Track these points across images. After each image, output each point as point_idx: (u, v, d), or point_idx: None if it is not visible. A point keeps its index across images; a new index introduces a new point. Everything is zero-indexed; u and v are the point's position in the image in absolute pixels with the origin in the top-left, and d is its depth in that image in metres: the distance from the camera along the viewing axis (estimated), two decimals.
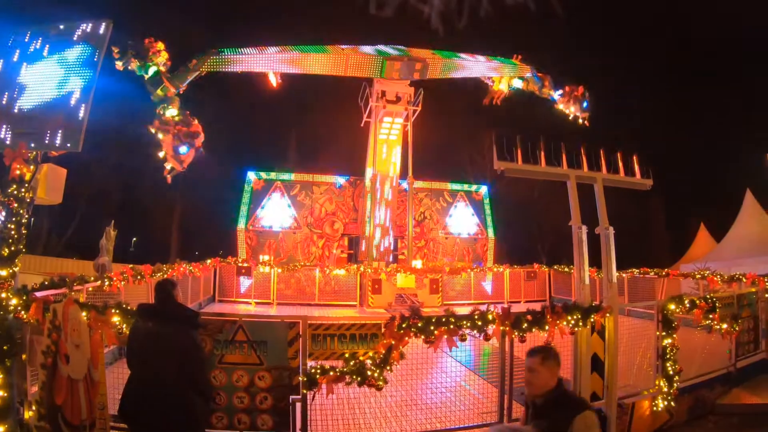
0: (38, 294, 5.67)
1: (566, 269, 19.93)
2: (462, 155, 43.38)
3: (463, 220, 26.01)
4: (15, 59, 6.13)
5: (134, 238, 44.44)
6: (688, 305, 7.47)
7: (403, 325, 5.45)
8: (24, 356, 5.43)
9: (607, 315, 6.37)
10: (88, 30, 6.24)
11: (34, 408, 4.81)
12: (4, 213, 5.77)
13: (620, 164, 7.25)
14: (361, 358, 5.55)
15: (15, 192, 5.76)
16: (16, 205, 5.76)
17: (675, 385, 6.93)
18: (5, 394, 5.22)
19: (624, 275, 16.28)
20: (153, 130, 11.99)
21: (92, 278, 9.17)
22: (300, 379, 5.39)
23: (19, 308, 5.36)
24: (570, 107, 17.26)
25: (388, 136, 21.08)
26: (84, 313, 5.15)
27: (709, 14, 46.34)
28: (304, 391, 5.37)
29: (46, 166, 6.24)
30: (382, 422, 6.38)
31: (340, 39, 19.73)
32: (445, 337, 5.55)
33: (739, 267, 15.79)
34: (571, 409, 3.25)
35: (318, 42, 17.54)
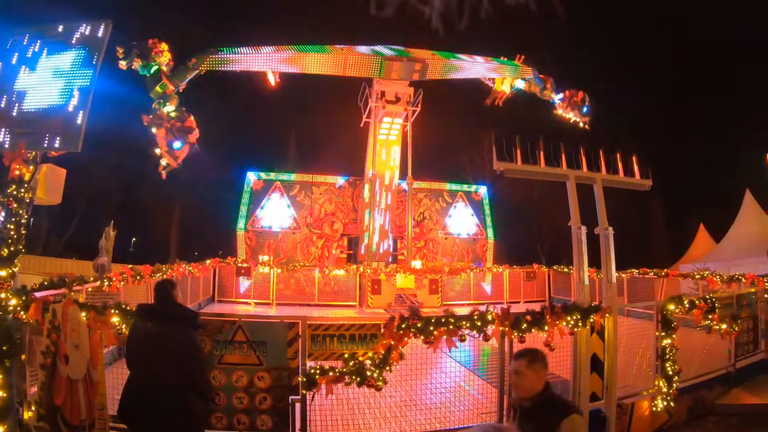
0: (37, 294, 5.67)
1: (566, 269, 19.93)
2: (461, 155, 43.39)
3: (462, 221, 26.00)
4: (13, 62, 6.12)
5: (134, 239, 44.47)
6: (687, 305, 7.47)
7: (403, 326, 5.45)
8: (23, 356, 5.43)
9: (607, 315, 6.37)
10: (87, 33, 6.24)
11: (33, 408, 4.81)
12: (3, 213, 5.77)
13: (620, 165, 7.25)
14: (360, 358, 5.54)
15: (14, 192, 5.77)
16: (15, 205, 5.77)
17: (674, 385, 6.93)
18: (5, 395, 5.22)
19: (623, 275, 16.28)
20: (146, 123, 11.98)
21: (92, 278, 9.16)
22: (299, 379, 5.39)
23: (19, 308, 5.36)
24: (569, 113, 17.22)
25: (388, 137, 21.07)
26: (83, 314, 5.15)
27: (709, 14, 46.39)
28: (304, 392, 5.36)
29: (45, 166, 6.24)
30: (382, 423, 6.38)
31: (340, 39, 19.73)
32: (445, 337, 5.55)
33: (738, 267, 15.78)
34: (558, 412, 3.23)
35: (317, 42, 17.55)
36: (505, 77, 19.02)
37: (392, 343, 5.44)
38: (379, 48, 18.25)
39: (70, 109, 5.90)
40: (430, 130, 29.17)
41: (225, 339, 5.39)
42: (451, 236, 25.69)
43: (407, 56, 18.32)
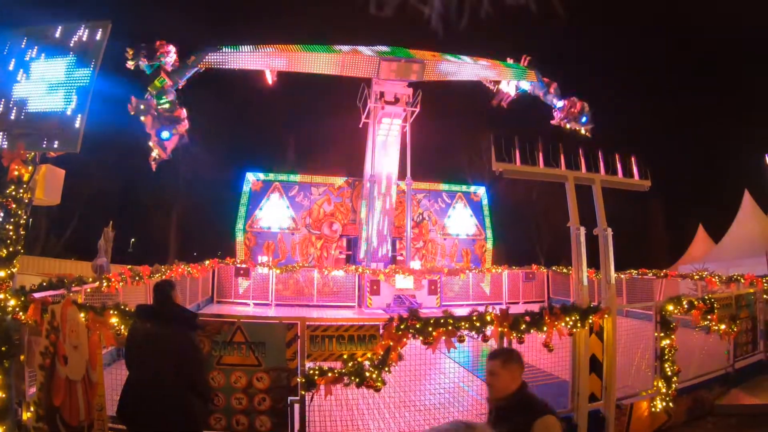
0: (36, 295, 5.68)
1: (565, 270, 19.94)
2: (460, 156, 43.40)
3: (461, 221, 25.98)
4: (11, 68, 6.10)
5: (132, 239, 44.46)
6: (686, 306, 7.47)
7: (402, 327, 5.46)
8: (22, 357, 5.43)
9: (606, 316, 6.38)
10: (85, 36, 6.22)
11: (32, 409, 4.82)
12: (2, 214, 5.77)
13: (618, 165, 7.26)
14: (359, 359, 5.54)
15: (13, 193, 5.77)
16: (14, 206, 5.77)
17: (673, 385, 6.93)
18: (3, 395, 5.22)
19: (622, 276, 16.29)
20: (131, 111, 11.97)
21: (90, 279, 9.15)
22: (298, 380, 5.39)
23: (18, 309, 5.37)
24: (567, 124, 17.12)
25: (387, 137, 21.07)
26: (82, 314, 5.15)
27: (708, 15, 46.46)
28: (303, 393, 5.37)
29: (44, 167, 6.24)
30: (381, 423, 6.38)
31: (340, 39, 19.74)
32: (444, 338, 5.55)
33: (737, 268, 15.81)
34: (532, 413, 3.18)
35: (317, 41, 17.57)
36: (508, 80, 19.01)
37: (391, 343, 5.44)
38: (380, 48, 18.26)
39: (69, 113, 5.88)
40: (429, 131, 29.18)
41: (224, 340, 5.39)
42: (450, 237, 25.68)
43: (407, 56, 18.33)
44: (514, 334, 5.84)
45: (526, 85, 18.48)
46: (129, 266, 11.63)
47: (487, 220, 26.17)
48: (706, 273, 14.22)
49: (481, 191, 26.73)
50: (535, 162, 6.73)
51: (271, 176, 24.41)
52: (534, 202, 42.61)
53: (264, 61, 16.39)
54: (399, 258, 23.64)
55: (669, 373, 6.93)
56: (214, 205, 36.90)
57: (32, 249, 29.54)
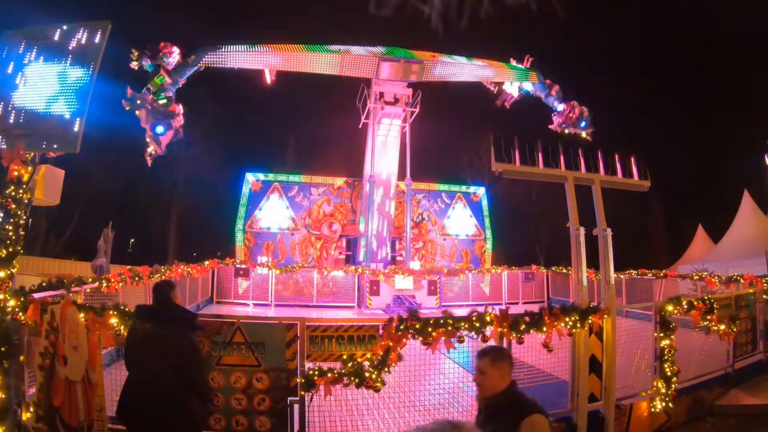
0: (36, 295, 5.68)
1: (564, 271, 19.95)
2: (460, 157, 43.46)
3: (461, 222, 25.98)
4: (10, 71, 6.09)
5: (132, 240, 44.41)
6: (686, 306, 7.48)
7: (401, 327, 5.46)
8: (22, 358, 5.43)
9: (605, 316, 6.38)
10: (84, 38, 6.20)
11: (31, 409, 4.82)
12: (1, 214, 5.77)
13: (618, 166, 7.26)
14: (359, 359, 5.55)
15: (13, 193, 5.76)
16: (14, 206, 5.76)
17: (673, 386, 6.94)
18: (3, 396, 5.22)
19: (622, 276, 16.29)
20: (126, 106, 11.99)
21: (90, 280, 9.15)
22: (298, 380, 5.39)
23: (17, 310, 5.37)
24: (565, 130, 17.07)
25: (386, 138, 21.07)
26: (82, 315, 5.15)
27: (708, 15, 46.49)
28: (302, 393, 5.37)
29: (43, 167, 6.24)
30: (380, 424, 6.37)
31: (340, 39, 19.73)
32: (443, 338, 5.56)
33: (736, 268, 15.81)
34: (520, 411, 3.13)
35: (317, 41, 17.59)
36: (510, 81, 19.01)
37: (391, 344, 5.44)
38: (380, 48, 18.28)
39: (67, 116, 5.87)
40: (429, 132, 29.18)
41: (223, 340, 5.39)
42: (449, 237, 25.68)
43: (408, 56, 18.35)
44: (514, 335, 5.85)
45: (528, 86, 18.47)
46: (128, 267, 11.62)
47: (487, 221, 26.19)
48: (705, 273, 14.23)
49: (480, 191, 26.74)
50: (535, 162, 6.74)
51: (271, 176, 24.41)
52: (533, 203, 42.69)
53: (263, 61, 16.42)
54: (398, 258, 23.65)
55: (668, 374, 6.93)
56: (213, 205, 37.00)
57: (32, 249, 29.54)
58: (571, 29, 50.68)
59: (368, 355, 5.57)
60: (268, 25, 49.83)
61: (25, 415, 5.20)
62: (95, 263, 17.55)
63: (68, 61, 6.12)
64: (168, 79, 12.97)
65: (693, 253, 29.32)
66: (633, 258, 23.99)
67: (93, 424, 4.86)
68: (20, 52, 6.17)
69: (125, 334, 4.77)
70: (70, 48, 6.17)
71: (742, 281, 11.72)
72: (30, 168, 5.94)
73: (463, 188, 27.14)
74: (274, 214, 23.81)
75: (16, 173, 5.80)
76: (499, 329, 5.80)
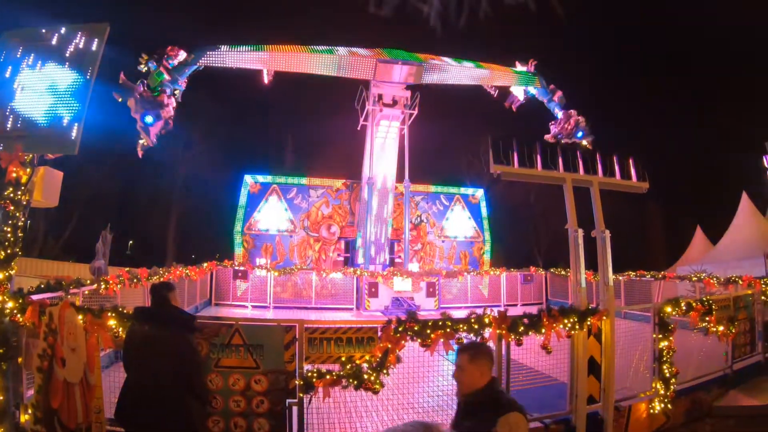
0: (34, 297, 5.67)
1: (563, 272, 19.98)
2: (459, 159, 43.48)
3: (459, 224, 26.02)
4: (7, 75, 6.07)
5: (131, 242, 44.38)
6: (684, 308, 7.49)
7: (400, 329, 5.46)
8: (20, 359, 5.43)
9: (604, 318, 6.38)
10: (81, 45, 6.19)
11: (30, 411, 4.80)
12: (0, 216, 5.76)
13: (616, 167, 7.27)
14: (357, 361, 5.55)
15: (11, 195, 5.76)
16: (12, 207, 5.76)
17: (672, 387, 6.94)
18: (1, 398, 5.22)
19: (620, 278, 16.31)
20: (118, 97, 12.05)
21: (88, 281, 9.14)
22: (296, 382, 5.38)
23: (15, 311, 5.36)
24: (561, 141, 17.06)
25: (385, 140, 21.09)
26: (80, 317, 5.14)
27: (708, 16, 46.56)
28: (301, 395, 5.36)
29: (42, 168, 6.23)
30: (379, 426, 6.37)
31: (340, 40, 19.74)
32: (442, 340, 5.55)
33: (735, 269, 15.84)
34: (498, 409, 3.09)
35: (316, 42, 17.64)
36: (511, 85, 19.05)
37: (389, 346, 5.44)
38: (380, 50, 18.34)
39: (65, 122, 5.86)
40: (428, 133, 29.19)
41: (222, 342, 5.38)
42: (448, 239, 25.70)
43: (407, 59, 18.39)
44: (513, 337, 5.84)
45: (533, 90, 18.53)
46: (127, 268, 11.63)
47: (485, 223, 26.23)
48: (704, 274, 14.24)
49: (479, 193, 26.79)
50: (533, 164, 6.74)
51: (270, 179, 24.44)
52: (532, 205, 42.73)
53: (262, 61, 16.50)
54: (397, 260, 23.65)
55: (667, 375, 6.94)
56: (212, 207, 37.02)
57: (30, 251, 29.52)
58: (571, 29, 50.75)
59: (367, 357, 5.57)
60: (268, 26, 49.92)
61: (24, 417, 5.19)
62: (94, 265, 17.53)
63: (66, 64, 6.11)
64: (167, 77, 13.07)
65: (691, 255, 29.33)
66: (631, 259, 24.00)
67: (91, 426, 4.85)
68: (18, 54, 6.16)
69: (123, 336, 4.76)
70: (69, 51, 6.16)
71: (740, 282, 11.73)
72: (28, 169, 5.93)
73: (462, 190, 27.20)
74: (272, 216, 23.83)
75: (14, 175, 5.79)
76: (498, 331, 5.80)
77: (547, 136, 17.13)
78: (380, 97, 19.79)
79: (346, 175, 25.50)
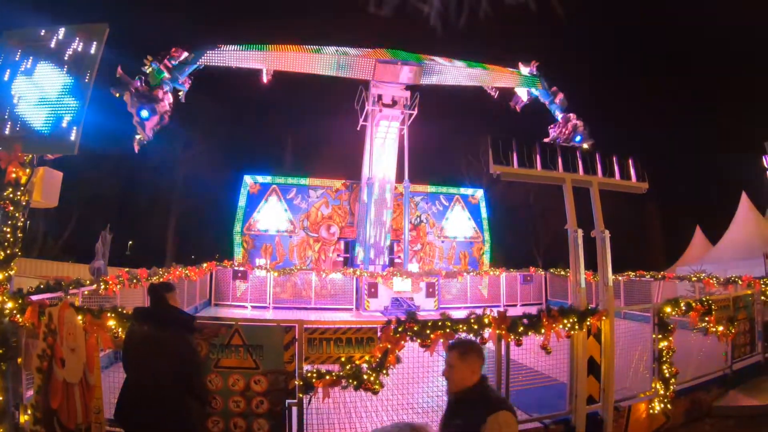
0: (34, 298, 5.66)
1: (562, 273, 19.98)
2: (458, 159, 43.50)
3: (459, 224, 26.01)
4: (6, 78, 6.06)
5: (130, 242, 44.37)
6: (684, 308, 7.49)
7: (399, 329, 5.46)
8: (20, 360, 5.42)
9: (603, 318, 6.38)
10: (80, 48, 6.17)
11: (29, 412, 4.81)
12: None
13: (616, 167, 7.27)
14: (357, 362, 5.54)
15: (11, 195, 5.75)
16: (11, 208, 5.75)
17: (671, 387, 6.94)
18: (1, 398, 5.21)
19: (620, 278, 16.32)
20: (115, 93, 12.10)
21: (88, 282, 9.14)
22: (296, 383, 5.38)
23: (15, 312, 5.35)
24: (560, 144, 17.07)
25: (385, 140, 21.10)
26: (80, 317, 5.13)
27: (708, 16, 46.59)
28: (301, 395, 5.36)
29: (41, 169, 6.22)
30: (379, 426, 6.37)
31: (341, 40, 19.76)
32: (441, 340, 5.55)
33: (734, 269, 15.84)
34: (487, 407, 3.05)
35: (317, 42, 17.67)
36: (512, 86, 19.09)
37: (389, 346, 5.44)
38: (380, 50, 18.38)
39: (64, 125, 5.85)
40: (427, 134, 29.20)
41: (221, 343, 5.37)
42: (447, 239, 25.70)
43: (406, 59, 18.42)
44: (512, 337, 5.84)
45: (536, 91, 18.57)
46: (126, 269, 11.62)
47: (485, 223, 26.23)
48: (703, 275, 14.25)
49: (479, 194, 26.78)
50: (533, 164, 6.74)
51: (269, 179, 24.43)
52: (532, 205, 42.74)
53: (262, 59, 16.56)
54: (397, 261, 23.65)
55: (667, 375, 6.94)
56: (211, 207, 37.02)
57: (30, 251, 29.51)
58: (571, 29, 50.77)
59: (366, 358, 5.56)
60: (268, 25, 49.91)
61: (23, 418, 5.19)
62: (93, 265, 17.53)
63: (65, 66, 6.10)
64: (167, 75, 13.16)
65: (691, 255, 29.34)
66: (631, 260, 24.02)
67: (91, 427, 4.85)
68: (17, 57, 6.14)
69: (123, 336, 4.76)
70: (68, 52, 6.15)
71: (740, 282, 11.74)
72: (28, 170, 5.93)
73: (462, 190, 27.20)
74: (272, 216, 23.83)
75: (14, 175, 5.79)
76: (497, 331, 5.80)
77: (545, 140, 17.13)
78: (380, 97, 19.81)
79: (346, 176, 25.51)
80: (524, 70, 18.98)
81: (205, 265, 17.41)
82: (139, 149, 12.89)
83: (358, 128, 22.67)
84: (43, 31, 6.27)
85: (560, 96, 17.58)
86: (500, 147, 6.59)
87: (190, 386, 4.10)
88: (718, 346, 8.49)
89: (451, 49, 19.62)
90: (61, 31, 6.24)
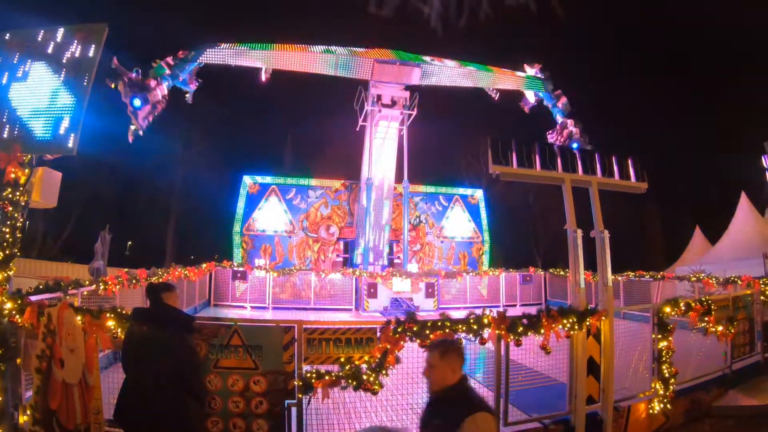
0: (33, 298, 5.66)
1: (562, 273, 19.97)
2: (458, 159, 43.51)
3: (458, 224, 25.99)
4: (4, 81, 6.04)
5: (129, 242, 44.35)
6: (683, 308, 7.49)
7: (399, 330, 5.45)
8: (19, 360, 5.41)
9: (603, 318, 6.38)
10: (79, 45, 6.16)
11: (28, 412, 4.79)
12: None
13: (615, 168, 7.27)
14: (356, 362, 5.54)
15: (9, 195, 5.75)
16: (10, 208, 5.75)
17: (671, 387, 6.94)
18: (0, 399, 5.20)
19: (619, 278, 16.31)
20: (110, 83, 12.15)
21: (87, 282, 9.13)
22: (295, 383, 5.38)
23: (14, 312, 5.35)
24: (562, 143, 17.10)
25: (384, 140, 21.10)
26: (79, 318, 5.13)
27: (708, 16, 46.62)
28: (300, 396, 5.35)
29: (41, 169, 6.22)
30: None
31: (341, 40, 19.79)
32: None
33: (734, 269, 15.85)
34: (466, 408, 3.04)
35: (317, 41, 17.70)
36: (513, 88, 19.11)
37: (388, 346, 5.44)
38: (380, 51, 18.42)
39: (61, 131, 5.83)
40: (427, 134, 29.20)
41: (221, 343, 5.37)
42: (447, 240, 25.69)
43: (405, 59, 18.44)
44: (512, 337, 5.84)
45: (541, 93, 18.61)
46: (126, 269, 11.62)
47: (485, 223, 26.21)
48: (703, 275, 14.24)
49: (478, 194, 26.77)
50: (532, 164, 6.74)
51: (269, 179, 24.42)
52: (531, 205, 42.75)
53: (261, 58, 16.61)
54: (396, 261, 23.63)
55: (666, 375, 6.94)
56: (211, 208, 36.99)
57: (29, 252, 29.51)
58: (571, 29, 50.80)
59: (366, 358, 5.56)
60: (268, 25, 49.95)
61: (22, 418, 5.18)
62: (92, 266, 17.54)
63: (64, 67, 6.08)
64: (167, 71, 13.24)
65: (690, 255, 29.38)
66: (630, 260, 24.02)
67: (90, 427, 4.85)
68: (15, 58, 6.12)
69: (122, 336, 4.76)
70: (67, 54, 6.13)
71: (739, 282, 11.74)
72: (27, 170, 5.92)
73: (461, 191, 27.18)
74: (271, 216, 23.82)
75: (13, 175, 5.78)
76: (497, 331, 5.80)
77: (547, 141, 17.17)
78: (379, 97, 19.82)
79: (345, 176, 25.48)
80: (530, 71, 19.00)
81: (204, 265, 17.39)
82: (133, 139, 12.94)
83: (358, 128, 22.66)
84: (42, 31, 6.25)
85: (563, 100, 17.59)
86: (500, 147, 6.59)
87: (190, 386, 4.10)
88: (717, 346, 8.50)
89: (451, 50, 19.62)
90: (60, 31, 6.22)
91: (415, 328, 5.47)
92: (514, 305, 20.31)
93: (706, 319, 7.82)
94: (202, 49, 14.95)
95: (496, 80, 19.21)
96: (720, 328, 8.01)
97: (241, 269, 19.13)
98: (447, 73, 19.08)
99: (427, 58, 19.09)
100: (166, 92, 13.50)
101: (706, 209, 34.65)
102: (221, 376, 5.35)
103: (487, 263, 25.57)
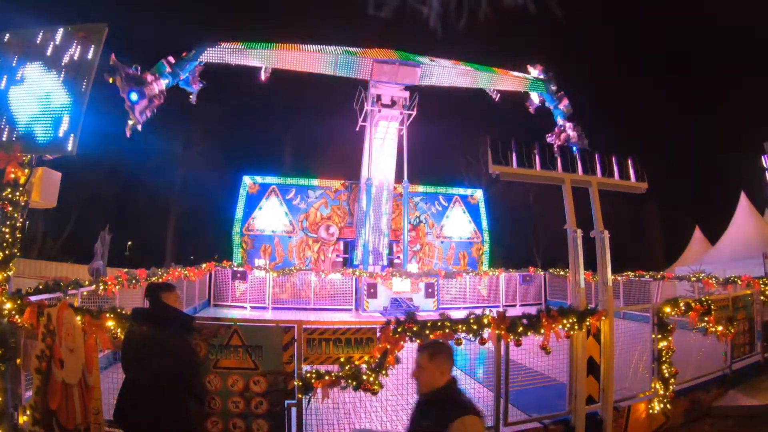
0: (33, 298, 5.65)
1: (562, 273, 19.97)
2: (458, 159, 43.50)
3: (458, 224, 25.98)
4: (2, 85, 6.03)
5: (129, 242, 44.34)
6: (683, 308, 7.49)
7: (399, 330, 5.45)
8: (18, 361, 5.41)
9: (603, 318, 6.38)
10: (79, 45, 6.15)
11: (28, 413, 4.79)
12: None
13: (615, 168, 7.27)
14: (356, 362, 5.54)
15: (9, 195, 5.74)
16: (10, 208, 5.74)
17: (671, 387, 6.94)
18: (0, 399, 5.19)
19: (619, 278, 16.31)
20: (109, 78, 12.20)
21: (87, 282, 9.13)
22: (295, 383, 5.38)
23: (14, 312, 5.34)
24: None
25: (384, 140, 21.10)
26: (78, 318, 5.13)
27: (708, 16, 46.62)
28: (300, 396, 5.35)
29: (40, 169, 6.21)
30: (378, 426, 6.36)
31: (341, 40, 19.79)
32: (441, 341, 5.55)
33: (734, 269, 15.84)
34: (454, 410, 3.03)
35: (318, 41, 17.70)
36: (514, 89, 19.14)
37: (388, 347, 5.44)
38: (382, 50, 18.44)
39: (60, 134, 5.82)
40: (426, 134, 29.20)
41: (220, 343, 5.37)
42: (447, 240, 25.68)
43: (405, 59, 18.45)
44: (512, 337, 5.84)
45: (544, 95, 18.64)
46: (125, 269, 11.62)
47: (484, 223, 26.20)
48: (703, 275, 14.24)
49: (478, 194, 26.76)
50: (532, 164, 6.74)
51: (268, 179, 24.40)
52: (531, 205, 42.74)
53: (261, 57, 16.63)
54: (396, 261, 23.62)
55: (666, 375, 6.94)
56: (210, 208, 36.98)
57: (29, 252, 29.50)
58: (571, 29, 50.80)
59: (366, 358, 5.56)
60: (268, 25, 49.95)
61: (22, 419, 5.18)
62: (92, 266, 17.54)
63: (63, 68, 6.07)
64: (168, 68, 13.30)
65: (690, 255, 29.37)
66: (630, 260, 24.04)
67: (90, 428, 4.84)
68: (13, 58, 6.11)
69: (122, 337, 4.75)
70: (66, 54, 6.12)
71: (739, 282, 11.74)
72: (27, 170, 5.91)
73: (461, 191, 27.16)
74: (271, 216, 23.82)
75: (12, 176, 5.77)
76: (497, 331, 5.80)
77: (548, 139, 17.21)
78: (379, 97, 19.83)
79: (345, 176, 25.47)
80: (533, 72, 19.00)
81: (204, 265, 17.39)
82: (130, 134, 12.98)
83: (357, 129, 22.67)
84: (42, 32, 6.24)
85: (565, 102, 17.60)
86: (499, 147, 6.59)
87: (189, 387, 4.10)
88: (717, 346, 8.50)
89: (451, 50, 19.62)
90: (60, 31, 6.21)
91: (414, 329, 5.47)
92: (514, 305, 20.30)
93: (706, 319, 7.82)
94: (203, 48, 14.99)
95: (498, 81, 19.21)
96: (720, 328, 8.01)
97: (240, 269, 19.13)
98: (447, 73, 19.08)
99: (427, 58, 19.11)
100: (163, 87, 13.54)
101: (706, 209, 34.66)
102: (221, 376, 5.34)
103: (487, 263, 25.57)
